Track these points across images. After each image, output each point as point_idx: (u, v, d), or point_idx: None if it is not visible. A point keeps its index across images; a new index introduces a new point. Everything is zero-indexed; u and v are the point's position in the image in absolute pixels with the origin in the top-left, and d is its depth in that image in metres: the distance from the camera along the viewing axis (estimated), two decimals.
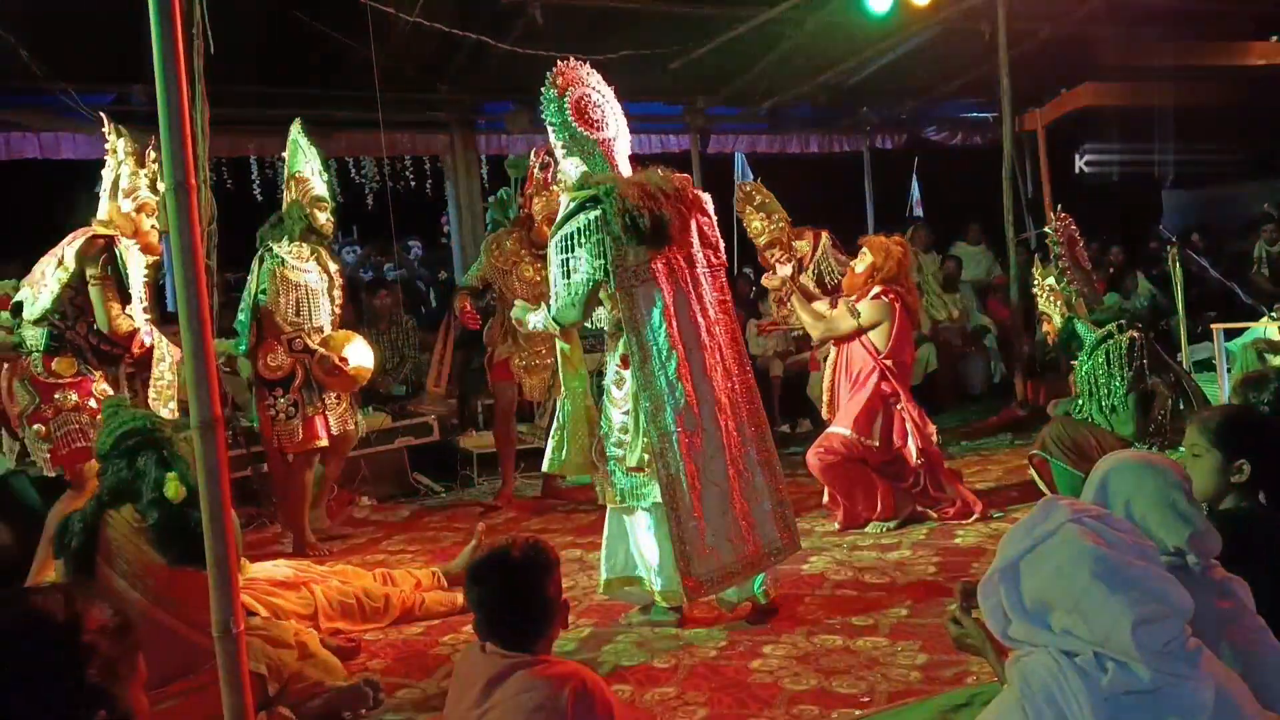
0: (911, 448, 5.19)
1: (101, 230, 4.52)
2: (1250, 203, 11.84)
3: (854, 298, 5.31)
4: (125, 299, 4.53)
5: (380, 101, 5.96)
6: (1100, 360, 4.96)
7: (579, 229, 3.76)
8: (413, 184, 9.53)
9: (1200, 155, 12.07)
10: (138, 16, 2.12)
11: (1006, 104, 7.79)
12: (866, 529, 5.09)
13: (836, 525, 5.18)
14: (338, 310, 5.46)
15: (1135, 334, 4.95)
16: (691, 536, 3.70)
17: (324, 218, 5.30)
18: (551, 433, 4.05)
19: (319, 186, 5.32)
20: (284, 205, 5.35)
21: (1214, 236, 11.43)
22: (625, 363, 3.80)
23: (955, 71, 9.66)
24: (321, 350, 5.22)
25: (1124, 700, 1.63)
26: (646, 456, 3.74)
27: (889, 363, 5.21)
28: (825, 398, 5.54)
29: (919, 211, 11.67)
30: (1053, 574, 1.70)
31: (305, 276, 5.24)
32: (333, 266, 5.44)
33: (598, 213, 3.73)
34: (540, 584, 2.30)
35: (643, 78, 8.78)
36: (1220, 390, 6.03)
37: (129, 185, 4.53)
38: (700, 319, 3.83)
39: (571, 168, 3.88)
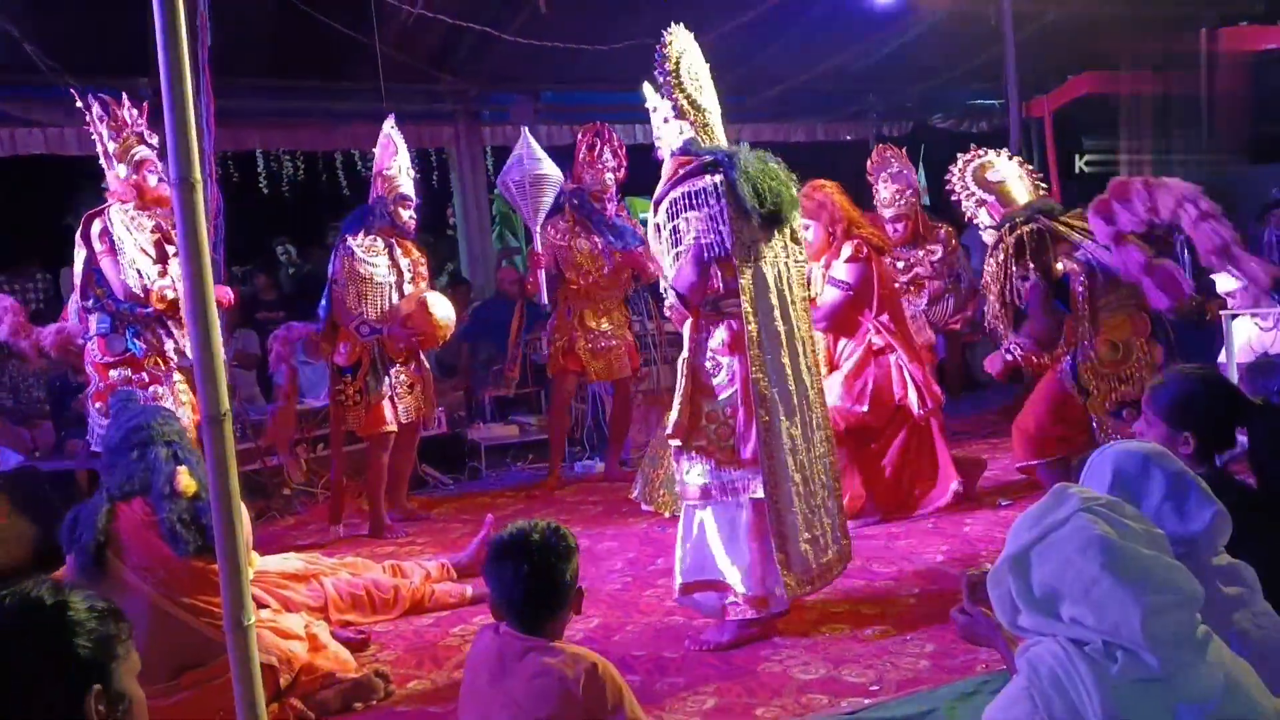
0: (912, 399, 4.90)
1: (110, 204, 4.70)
2: (1259, 188, 11.75)
3: (822, 263, 4.96)
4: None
5: (385, 93, 5.97)
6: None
7: (696, 191, 3.51)
8: (418, 176, 9.54)
9: (1208, 139, 11.97)
10: (142, 9, 2.11)
11: (1013, 90, 7.76)
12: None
13: None
14: None
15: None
16: (790, 533, 3.54)
17: (406, 215, 5.48)
18: (677, 394, 3.73)
19: (405, 185, 5.50)
20: (370, 199, 5.53)
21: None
22: (730, 347, 3.58)
23: (961, 58, 9.61)
24: (403, 309, 5.36)
25: (1133, 689, 1.63)
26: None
27: (883, 318, 4.94)
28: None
29: (925, 199, 11.63)
30: (1062, 564, 1.70)
31: (373, 270, 5.39)
32: (404, 261, 5.54)
33: (719, 178, 3.51)
34: (559, 568, 2.32)
35: (647, 67, 8.76)
36: (1230, 378, 6.00)
37: (119, 149, 4.66)
38: (792, 312, 3.69)
39: (675, 133, 3.64)
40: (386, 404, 5.43)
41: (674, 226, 3.55)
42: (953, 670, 3.22)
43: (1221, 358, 5.82)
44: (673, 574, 3.82)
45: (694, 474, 3.63)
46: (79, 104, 4.71)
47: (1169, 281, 4.23)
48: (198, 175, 2.11)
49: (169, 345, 4.68)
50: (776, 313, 3.60)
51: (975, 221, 5.03)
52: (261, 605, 3.60)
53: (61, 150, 7.39)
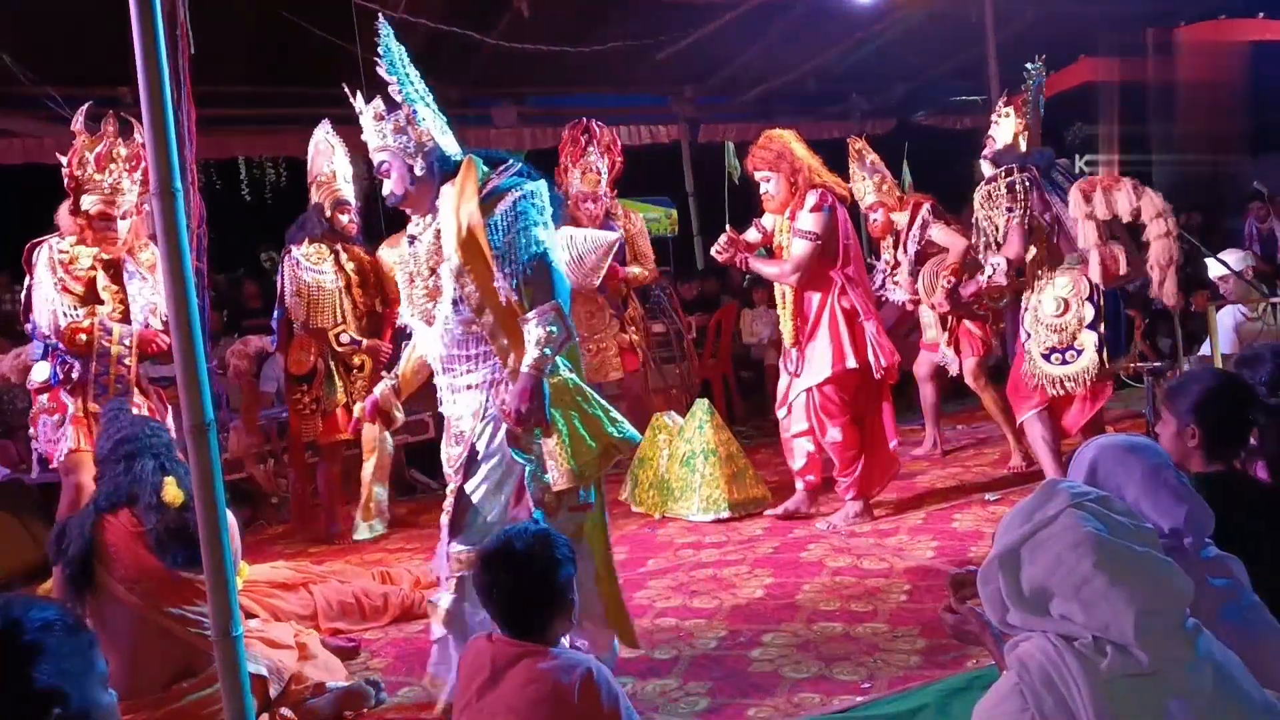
0: (871, 361, 4.89)
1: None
2: (1244, 180, 11.81)
3: (786, 215, 4.89)
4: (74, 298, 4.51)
5: (367, 99, 5.94)
6: None
7: (533, 192, 3.08)
8: None
9: (1194, 131, 12.03)
10: (123, 18, 2.10)
11: (994, 87, 7.79)
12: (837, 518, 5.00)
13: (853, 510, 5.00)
14: (362, 306, 5.57)
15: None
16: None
17: (345, 220, 5.46)
18: (552, 448, 3.09)
19: (343, 189, 5.48)
20: (309, 205, 5.51)
21: (1208, 214, 11.41)
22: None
23: (944, 55, 9.65)
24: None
25: (1123, 684, 1.63)
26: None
27: (848, 270, 4.89)
28: (789, 340, 5.05)
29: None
30: (1053, 562, 1.70)
31: (320, 277, 5.41)
32: (350, 266, 5.53)
33: (539, 183, 3.15)
34: (548, 574, 2.30)
35: (630, 69, 8.77)
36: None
37: (75, 184, 4.44)
38: None
39: (412, 144, 3.18)
40: (341, 411, 5.45)
41: (510, 240, 3.02)
42: (944, 666, 3.22)
43: (1205, 349, 5.90)
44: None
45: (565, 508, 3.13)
46: (78, 123, 4.43)
47: (1111, 261, 4.68)
48: (177, 184, 2.10)
49: (110, 375, 4.48)
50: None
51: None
52: (250, 615, 3.58)
53: (41, 159, 7.34)
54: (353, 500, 6.23)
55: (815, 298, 4.93)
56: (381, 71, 3.13)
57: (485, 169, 3.15)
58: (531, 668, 2.22)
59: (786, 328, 5.05)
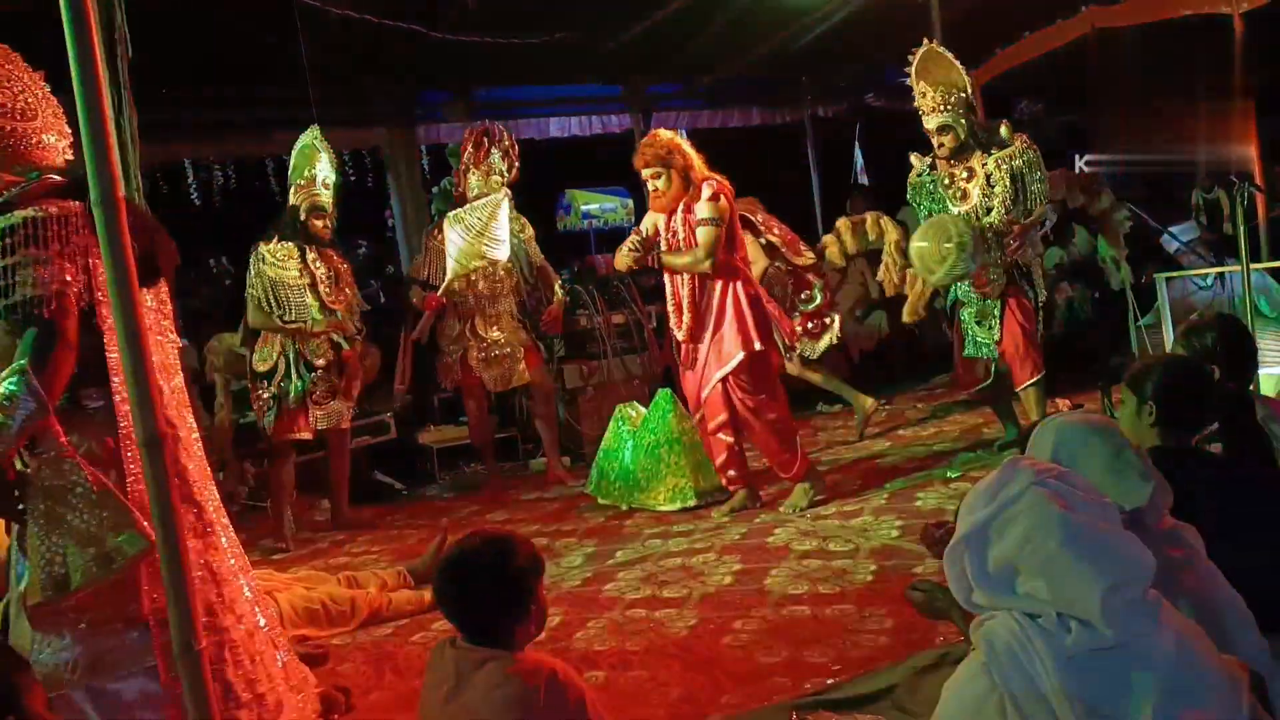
0: (777, 342, 5.02)
1: None
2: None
3: (681, 210, 4.92)
4: None
5: (313, 97, 5.88)
6: None
7: (24, 223, 2.47)
8: (353, 179, 9.43)
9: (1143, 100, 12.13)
10: (59, 27, 2.04)
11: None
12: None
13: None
14: (332, 306, 5.58)
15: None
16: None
17: (320, 225, 5.54)
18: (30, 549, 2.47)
19: (323, 196, 5.54)
20: (288, 205, 5.57)
21: (1155, 186, 11.54)
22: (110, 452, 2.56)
23: (893, 36, 9.66)
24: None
25: (1088, 659, 1.65)
26: None
27: (742, 254, 5.00)
28: (680, 331, 5.02)
29: (863, 179, 11.71)
30: (1019, 540, 1.71)
31: (283, 274, 5.47)
32: (320, 266, 5.55)
33: (30, 211, 2.49)
34: (499, 581, 2.27)
35: (580, 59, 8.72)
36: (1165, 340, 6.14)
37: None
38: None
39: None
40: (300, 412, 5.48)
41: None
42: (912, 644, 3.24)
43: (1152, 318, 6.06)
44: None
45: (50, 653, 2.31)
46: None
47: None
48: (120, 193, 2.05)
49: None
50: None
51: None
52: None
53: None
54: (314, 504, 6.22)
55: (718, 286, 4.93)
56: None
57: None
58: (496, 673, 2.20)
59: (682, 320, 5.00)
